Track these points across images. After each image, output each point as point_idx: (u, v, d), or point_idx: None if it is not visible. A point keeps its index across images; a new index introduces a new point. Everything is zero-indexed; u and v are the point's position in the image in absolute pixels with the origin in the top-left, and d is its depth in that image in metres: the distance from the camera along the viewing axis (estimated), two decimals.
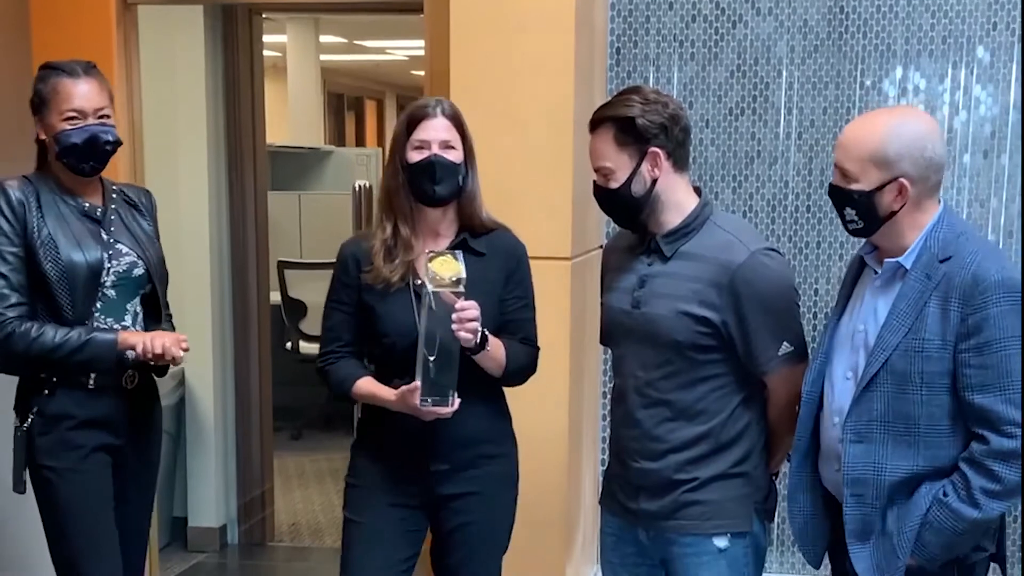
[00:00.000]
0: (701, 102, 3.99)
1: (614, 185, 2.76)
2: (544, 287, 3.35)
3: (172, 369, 5.21)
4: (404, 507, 2.98)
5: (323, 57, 12.16)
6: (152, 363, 3.15)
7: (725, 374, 2.77)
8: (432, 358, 2.75)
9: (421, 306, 2.76)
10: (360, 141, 19.48)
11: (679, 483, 2.78)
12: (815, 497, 2.74)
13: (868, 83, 3.95)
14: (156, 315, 3.31)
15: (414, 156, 2.88)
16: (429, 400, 2.78)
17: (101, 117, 3.15)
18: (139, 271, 3.23)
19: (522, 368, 3.00)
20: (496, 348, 2.89)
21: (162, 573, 4.95)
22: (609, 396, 3.05)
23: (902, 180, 2.51)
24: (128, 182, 3.50)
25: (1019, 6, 3.81)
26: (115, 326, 3.17)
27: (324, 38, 12.06)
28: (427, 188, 2.88)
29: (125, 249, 3.22)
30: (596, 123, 2.78)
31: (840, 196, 2.58)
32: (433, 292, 2.71)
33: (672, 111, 2.75)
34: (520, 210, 3.40)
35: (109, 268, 3.16)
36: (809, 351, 2.83)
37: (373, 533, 2.98)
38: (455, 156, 2.90)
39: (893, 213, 2.54)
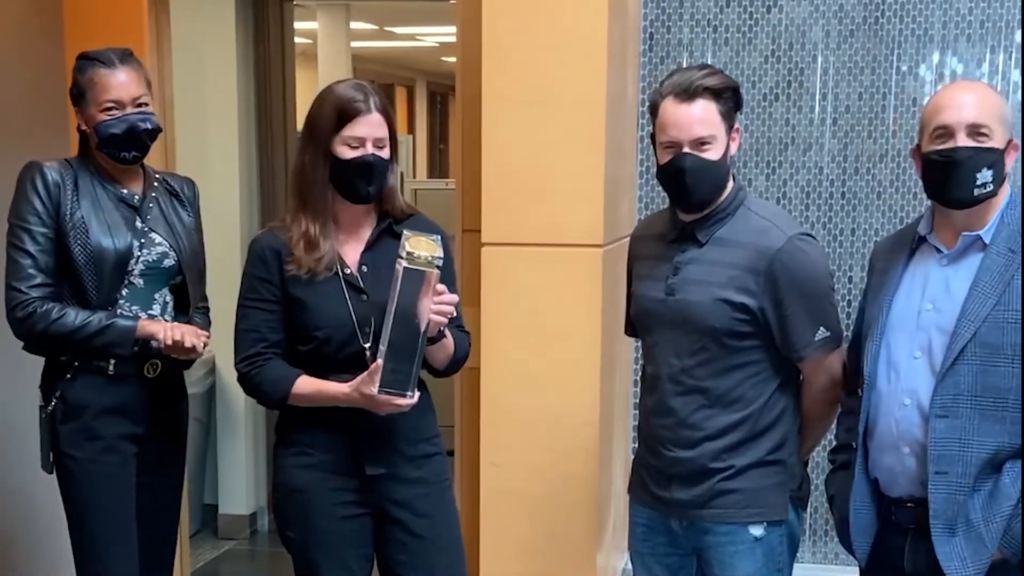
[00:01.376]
0: None
1: (714, 156, 2.70)
2: (575, 275, 3.34)
3: (203, 356, 5.32)
4: (348, 518, 2.87)
5: (353, 44, 12.14)
6: (172, 354, 3.11)
7: (761, 360, 2.75)
8: (399, 342, 2.64)
9: (392, 286, 2.63)
10: None
11: (715, 471, 2.76)
12: (866, 488, 2.70)
13: (904, 68, 3.90)
14: (186, 307, 3.27)
15: (347, 152, 2.77)
16: (390, 389, 2.66)
17: (140, 105, 3.14)
18: (170, 261, 3.22)
19: (465, 355, 2.96)
20: (449, 337, 2.84)
21: (193, 560, 4.96)
22: (640, 385, 3.01)
23: (1015, 140, 2.53)
24: (170, 171, 3.48)
25: None
26: (141, 314, 3.15)
27: (355, 25, 12.04)
28: (360, 188, 2.79)
29: (158, 239, 3.21)
30: (696, 92, 2.68)
31: (979, 156, 2.49)
32: (407, 270, 2.61)
33: None
34: (551, 196, 3.39)
35: (139, 256, 3.15)
36: (843, 337, 2.81)
37: (328, 546, 2.87)
38: (386, 153, 2.82)
39: (1007, 176, 2.53)
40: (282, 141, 5.56)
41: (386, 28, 13.85)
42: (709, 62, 3.94)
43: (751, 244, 2.72)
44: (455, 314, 2.80)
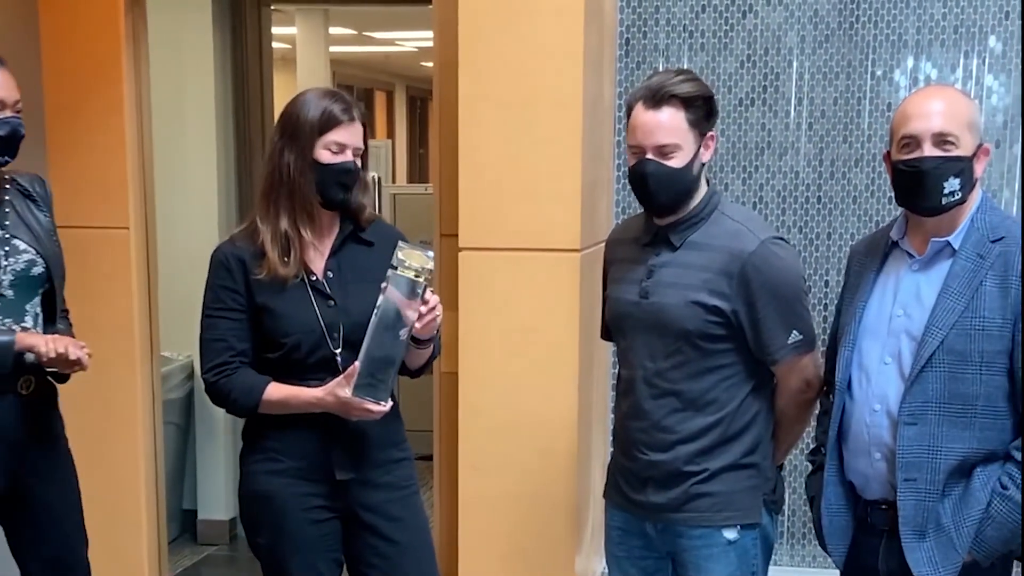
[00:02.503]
0: None
1: (678, 164, 2.71)
2: (553, 278, 3.35)
3: (180, 362, 5.32)
4: (318, 522, 2.87)
5: (332, 49, 12.13)
6: (53, 368, 2.98)
7: (734, 363, 2.76)
8: (379, 349, 2.66)
9: (380, 293, 2.65)
10: (371, 133, 19.44)
11: (688, 475, 2.77)
12: (841, 492, 2.72)
13: (879, 73, 3.92)
14: (53, 315, 3.13)
15: (328, 157, 2.79)
16: (364, 395, 2.67)
17: (19, 111, 3.03)
18: (39, 268, 3.07)
19: (434, 356, 2.97)
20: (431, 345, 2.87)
21: (172, 566, 4.94)
22: (615, 388, 3.02)
23: (985, 145, 2.55)
24: (17, 169, 3.21)
25: None
26: (15, 327, 2.99)
27: (333, 29, 12.03)
28: (336, 193, 2.82)
29: (23, 245, 3.05)
30: (662, 99, 2.69)
31: (945, 165, 2.50)
32: (396, 277, 2.64)
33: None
34: (529, 201, 3.40)
35: (6, 266, 3.00)
36: (818, 341, 2.83)
37: (298, 550, 2.87)
38: (359, 163, 2.86)
39: (976, 181, 2.55)
40: (260, 146, 5.55)
41: (365, 33, 13.84)
42: (685, 67, 3.96)
43: (724, 248, 2.73)
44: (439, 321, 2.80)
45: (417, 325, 2.68)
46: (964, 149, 2.51)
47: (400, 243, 2.70)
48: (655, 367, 2.78)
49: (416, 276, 2.64)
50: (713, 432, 2.76)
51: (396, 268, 2.64)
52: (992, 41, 3.86)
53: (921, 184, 2.52)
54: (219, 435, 5.51)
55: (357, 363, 2.67)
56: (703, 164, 2.76)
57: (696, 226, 2.78)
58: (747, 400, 2.79)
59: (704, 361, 2.75)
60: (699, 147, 2.73)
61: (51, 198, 3.23)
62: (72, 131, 4.10)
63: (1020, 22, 3.81)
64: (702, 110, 2.71)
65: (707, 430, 2.76)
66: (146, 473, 4.27)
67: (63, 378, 3.11)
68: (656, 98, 2.69)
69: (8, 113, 3.00)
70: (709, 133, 2.75)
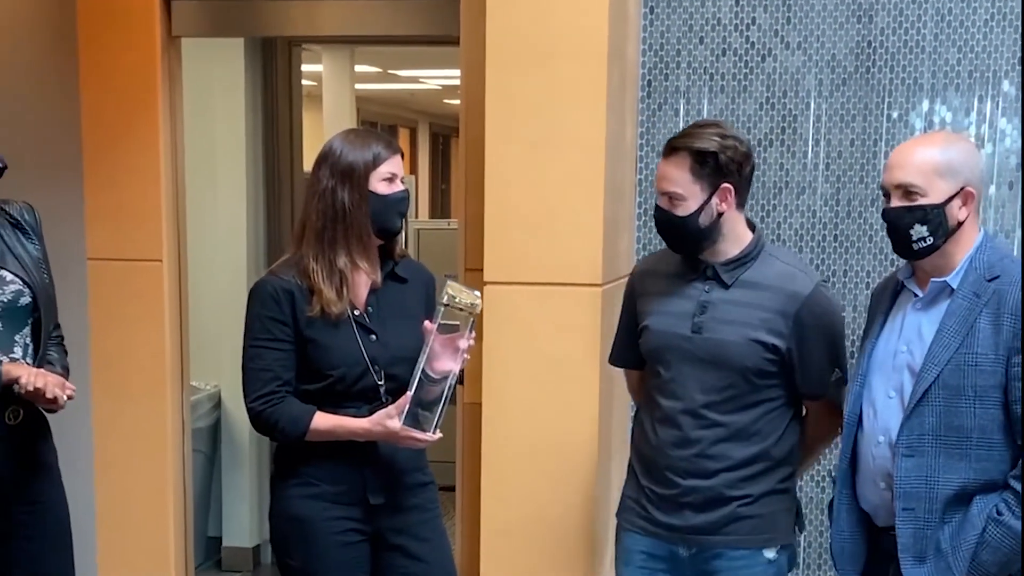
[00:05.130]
0: None
1: (681, 213, 2.84)
2: (575, 312, 3.44)
3: (208, 391, 5.42)
4: (349, 544, 2.96)
5: (358, 86, 12.27)
6: (32, 400, 2.96)
7: (779, 397, 2.90)
8: (430, 381, 2.77)
9: (432, 326, 2.77)
10: None
11: (731, 499, 2.89)
12: (853, 519, 2.82)
13: (895, 116, 4.00)
14: (39, 344, 3.09)
15: (384, 188, 2.91)
16: (415, 423, 2.77)
17: None
18: (26, 299, 3.05)
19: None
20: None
21: None
22: (645, 415, 3.10)
23: (968, 188, 2.62)
24: (8, 198, 3.19)
25: None
26: (3, 358, 2.98)
27: (359, 67, 12.17)
28: (396, 221, 2.95)
29: (10, 276, 3.04)
30: (673, 150, 2.84)
31: (908, 215, 2.62)
32: (448, 313, 2.76)
33: (746, 150, 2.87)
34: (552, 237, 3.48)
35: None
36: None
37: (331, 572, 2.96)
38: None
39: (960, 224, 2.63)
40: (288, 182, 5.66)
41: (390, 71, 13.98)
42: (705, 109, 4.06)
43: (780, 288, 2.86)
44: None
45: (464, 356, 2.80)
46: (932, 196, 2.61)
47: (449, 281, 2.82)
48: (706, 399, 2.88)
49: (468, 311, 2.77)
50: (758, 461, 2.89)
51: (448, 304, 2.76)
52: (1006, 85, 3.94)
53: (892, 232, 2.68)
54: (244, 464, 5.59)
55: (408, 394, 2.77)
56: (719, 214, 2.85)
57: (746, 265, 2.89)
58: (788, 430, 2.93)
59: (754, 395, 2.87)
60: (708, 199, 2.82)
61: (40, 226, 3.18)
62: (109, 167, 4.21)
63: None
64: (713, 164, 2.80)
65: (753, 459, 2.88)
66: (175, 500, 4.35)
67: (52, 410, 3.07)
68: (669, 147, 2.85)
69: None
70: (724, 185, 2.83)
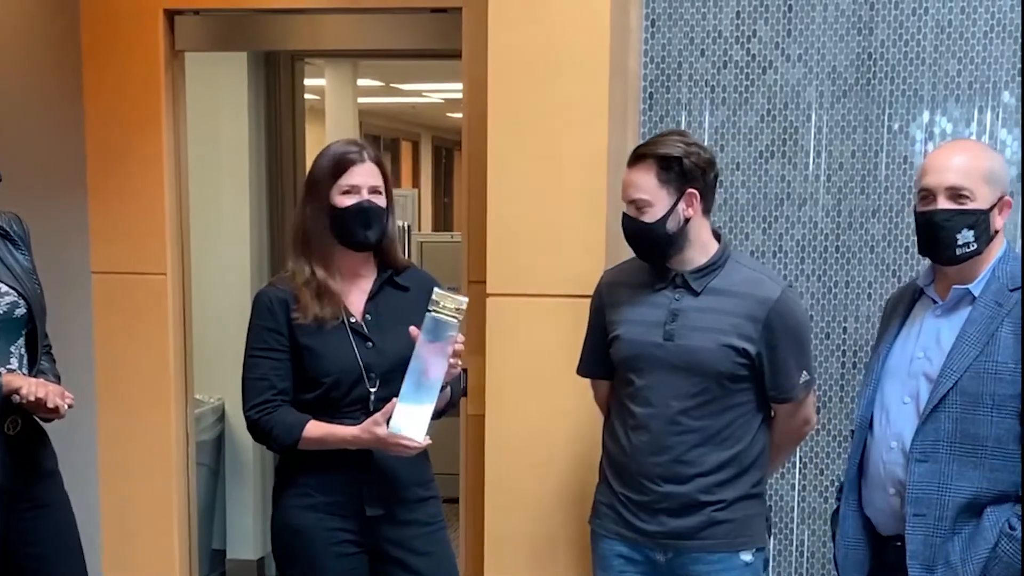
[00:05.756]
0: (732, 145, 4.07)
1: (648, 219, 2.88)
2: (578, 324, 3.44)
3: (212, 404, 5.43)
4: (347, 556, 2.98)
5: (360, 100, 12.31)
6: (30, 410, 2.96)
7: (750, 401, 2.94)
8: (417, 387, 2.77)
9: (422, 332, 2.77)
10: (396, 182, 19.60)
11: (706, 504, 2.92)
12: (858, 527, 2.83)
13: (896, 127, 4.02)
14: (36, 355, 3.10)
15: (343, 200, 2.91)
16: (402, 431, 2.77)
17: None
18: (21, 311, 3.04)
19: (454, 403, 3.07)
20: (448, 389, 2.95)
21: None
22: (616, 423, 3.11)
23: (1007, 197, 2.64)
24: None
25: None
26: (0, 370, 2.97)
27: (362, 81, 12.20)
28: (358, 233, 2.92)
29: (4, 288, 3.02)
30: (639, 158, 2.89)
31: (959, 218, 2.60)
32: (435, 319, 2.76)
33: (709, 156, 2.93)
34: (555, 249, 3.50)
35: None
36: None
37: None
38: (382, 201, 2.96)
39: (996, 232, 2.64)
40: (292, 196, 5.68)
41: (392, 84, 14.02)
42: (706, 121, 4.07)
43: (748, 294, 2.90)
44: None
45: (452, 361, 2.80)
46: (980, 202, 2.60)
47: (436, 288, 2.82)
48: (680, 405, 2.91)
49: (452, 317, 2.77)
50: (731, 465, 2.92)
51: (432, 310, 2.76)
52: (1006, 96, 3.95)
53: (936, 235, 2.63)
54: (248, 476, 5.60)
55: (395, 400, 2.78)
56: (686, 220, 2.90)
57: (714, 272, 2.94)
58: (758, 434, 2.97)
59: (726, 399, 2.91)
60: (675, 204, 2.87)
61: (29, 236, 3.18)
62: (113, 180, 4.24)
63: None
64: (677, 169, 2.86)
65: (725, 464, 2.92)
66: (179, 513, 4.36)
67: (49, 419, 3.07)
68: (634, 156, 2.91)
69: None
70: (689, 190, 2.88)
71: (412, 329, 2.80)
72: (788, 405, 2.98)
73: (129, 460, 4.30)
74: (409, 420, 2.78)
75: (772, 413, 3.03)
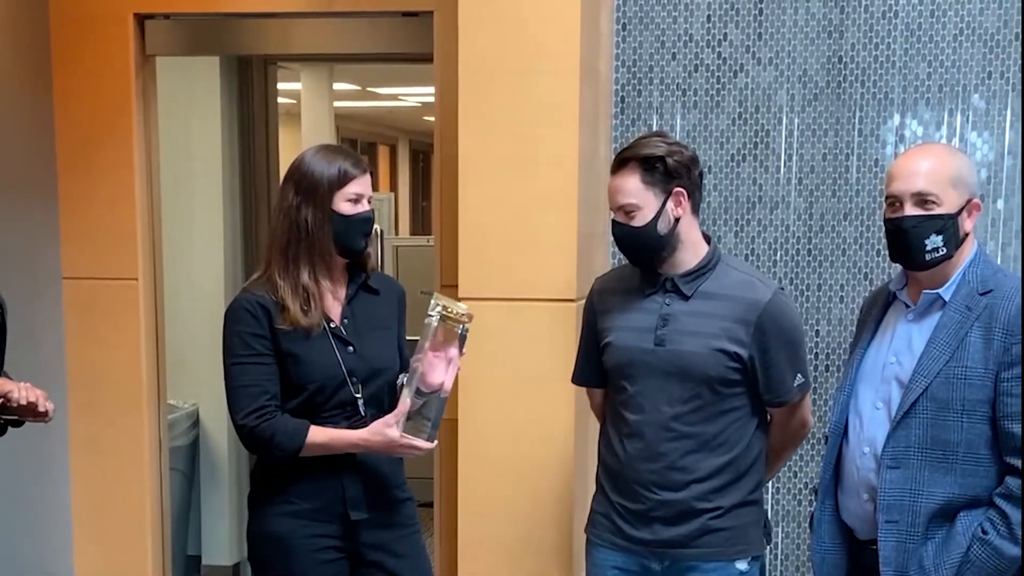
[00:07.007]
0: (704, 149, 4.08)
1: (638, 223, 2.86)
2: (550, 328, 3.46)
3: (186, 409, 5.41)
4: (328, 562, 2.96)
5: (337, 104, 12.29)
6: (15, 415, 2.92)
7: (744, 406, 2.91)
8: (427, 390, 2.80)
9: (424, 337, 2.80)
10: (374, 186, 19.53)
11: (701, 511, 2.89)
12: (835, 531, 2.82)
13: (866, 130, 4.04)
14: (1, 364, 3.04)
15: (348, 208, 2.90)
16: (417, 431, 2.80)
17: None
18: None
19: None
20: None
21: None
22: (611, 430, 3.11)
23: (975, 200, 2.63)
24: None
25: (1012, 56, 3.91)
26: None
27: (338, 85, 12.18)
28: (359, 241, 2.95)
29: None
30: (622, 162, 2.87)
31: (927, 224, 2.59)
32: (443, 323, 2.80)
33: (692, 154, 2.91)
34: (526, 253, 3.50)
35: None
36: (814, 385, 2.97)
37: None
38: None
39: (966, 236, 2.63)
40: (265, 200, 5.66)
41: (368, 88, 14.00)
42: (678, 125, 4.09)
43: (739, 297, 2.88)
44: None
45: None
46: (947, 206, 2.59)
47: (436, 294, 2.86)
48: (673, 411, 2.89)
49: (460, 320, 2.82)
50: (726, 471, 2.90)
51: (444, 315, 2.79)
52: (976, 99, 3.98)
53: (904, 242, 2.63)
54: (223, 482, 5.58)
55: (407, 400, 2.79)
56: (676, 220, 2.87)
57: (704, 276, 2.92)
58: (753, 439, 2.94)
59: (719, 404, 2.89)
60: (663, 205, 2.85)
61: None
62: (84, 185, 4.22)
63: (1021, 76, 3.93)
64: (661, 169, 2.83)
65: (720, 469, 2.89)
66: (152, 519, 4.35)
67: (18, 423, 3.02)
68: (618, 161, 2.88)
69: None
70: (676, 189, 2.86)
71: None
72: (784, 408, 2.96)
73: (102, 466, 4.29)
74: (420, 424, 2.81)
75: (768, 418, 3.01)
